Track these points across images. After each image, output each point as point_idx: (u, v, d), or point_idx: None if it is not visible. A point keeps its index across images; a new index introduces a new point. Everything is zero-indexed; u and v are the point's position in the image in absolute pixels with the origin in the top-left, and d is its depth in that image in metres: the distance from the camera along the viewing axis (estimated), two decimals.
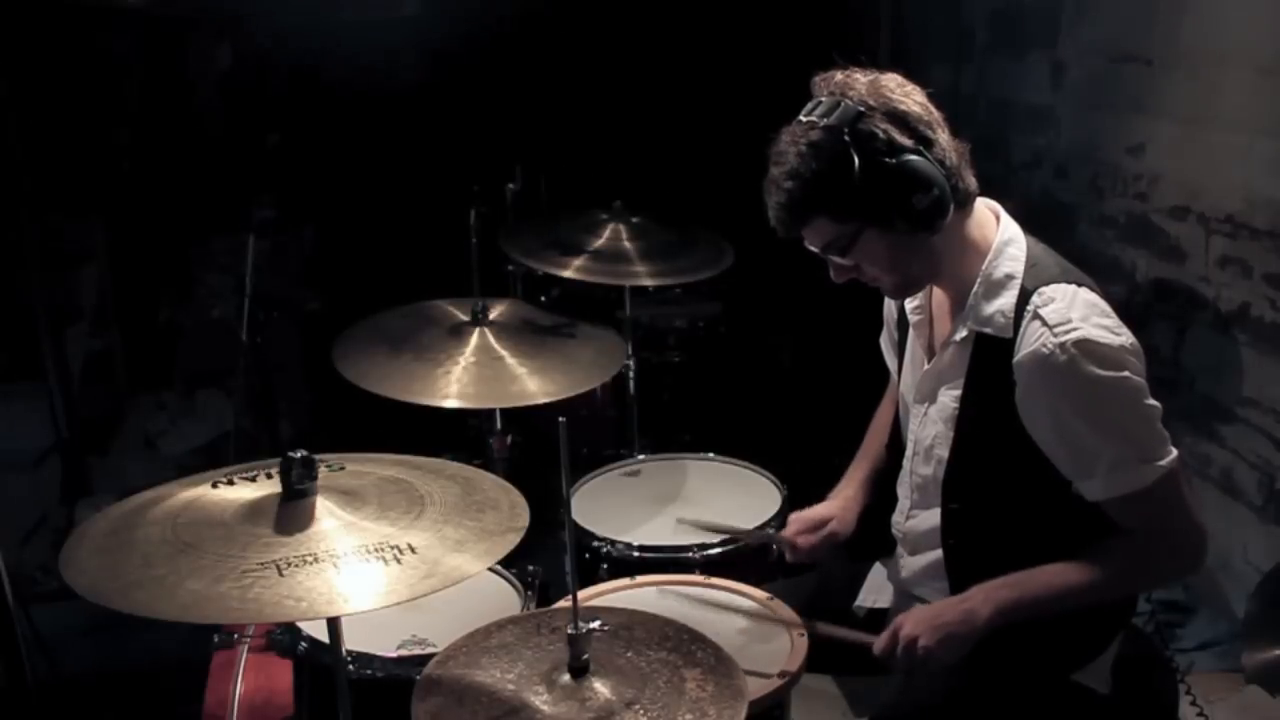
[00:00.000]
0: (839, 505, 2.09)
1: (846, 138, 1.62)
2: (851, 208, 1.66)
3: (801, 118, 1.69)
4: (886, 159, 1.63)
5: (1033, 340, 1.64)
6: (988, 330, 1.71)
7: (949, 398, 1.80)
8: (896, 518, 1.98)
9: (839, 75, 1.70)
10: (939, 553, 1.86)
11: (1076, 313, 1.64)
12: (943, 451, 1.82)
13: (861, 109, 1.63)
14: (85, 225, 4.07)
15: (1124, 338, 1.65)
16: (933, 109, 1.69)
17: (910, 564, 1.94)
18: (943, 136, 1.68)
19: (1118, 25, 3.09)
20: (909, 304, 1.92)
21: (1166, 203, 2.92)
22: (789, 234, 1.72)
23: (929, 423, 1.85)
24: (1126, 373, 1.62)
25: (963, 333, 1.75)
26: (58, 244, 3.92)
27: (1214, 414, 2.76)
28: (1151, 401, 1.65)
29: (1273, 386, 2.57)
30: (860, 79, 1.68)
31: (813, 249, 1.75)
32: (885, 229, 1.67)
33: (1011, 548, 1.74)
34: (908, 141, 1.63)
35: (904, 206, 1.64)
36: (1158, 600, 2.73)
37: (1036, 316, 1.65)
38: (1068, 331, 1.62)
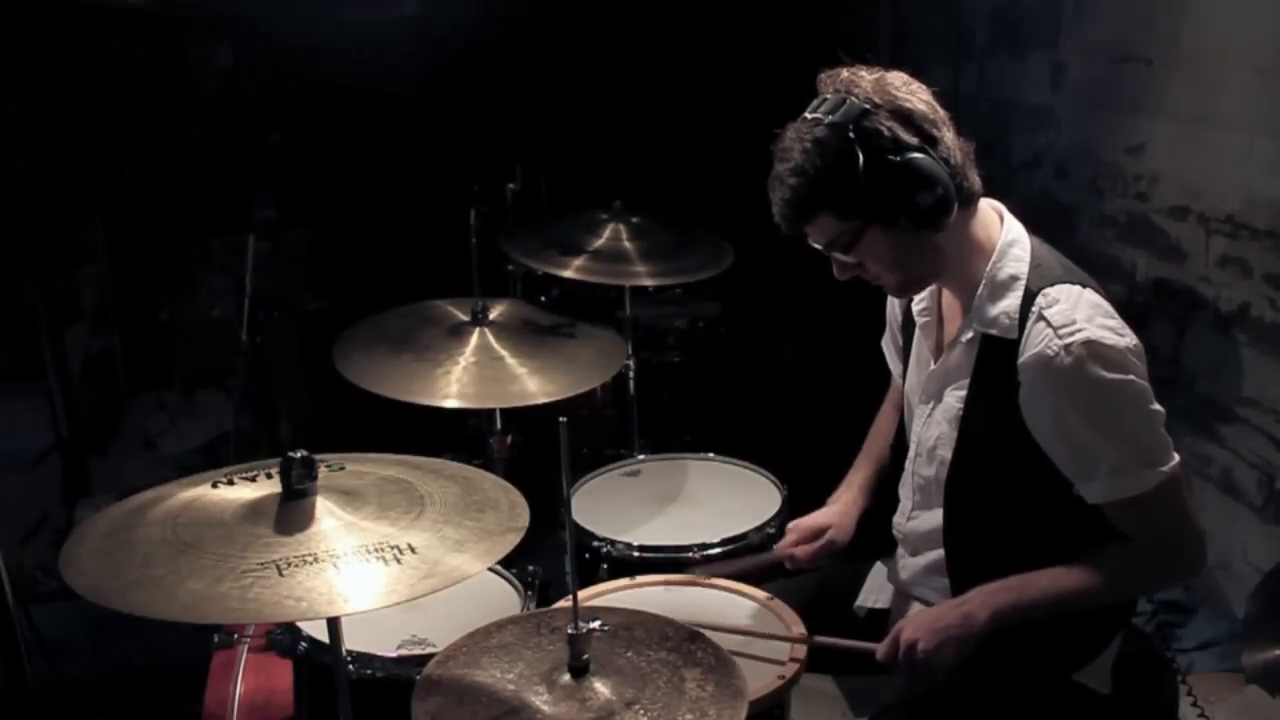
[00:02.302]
0: (838, 511, 2.09)
1: (851, 134, 1.62)
2: (856, 205, 1.66)
3: (807, 114, 1.68)
4: (891, 156, 1.62)
5: (1037, 342, 1.64)
6: (992, 332, 1.71)
7: (954, 398, 1.80)
8: (898, 519, 1.98)
9: (844, 73, 1.70)
10: (940, 553, 1.86)
11: (1081, 314, 1.64)
12: (946, 452, 1.82)
13: (867, 106, 1.63)
14: (85, 225, 4.07)
15: (1128, 339, 1.65)
16: (938, 107, 1.69)
17: (911, 565, 1.94)
18: (948, 135, 1.67)
19: (1118, 25, 3.09)
20: (916, 305, 1.91)
21: (1166, 203, 2.92)
22: (793, 231, 1.72)
23: (933, 423, 1.85)
24: (1131, 376, 1.62)
25: (968, 334, 1.75)
26: (58, 244, 3.92)
27: (1214, 414, 2.76)
28: (1156, 406, 1.65)
29: (1273, 386, 2.58)
30: (866, 76, 1.68)
31: (816, 246, 1.75)
32: (889, 227, 1.67)
33: (1013, 549, 1.75)
34: (913, 139, 1.63)
35: (908, 204, 1.63)
36: (1158, 600, 2.73)
37: (1041, 318, 1.65)
38: (1072, 333, 1.62)
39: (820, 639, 1.79)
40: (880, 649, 1.74)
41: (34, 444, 3.71)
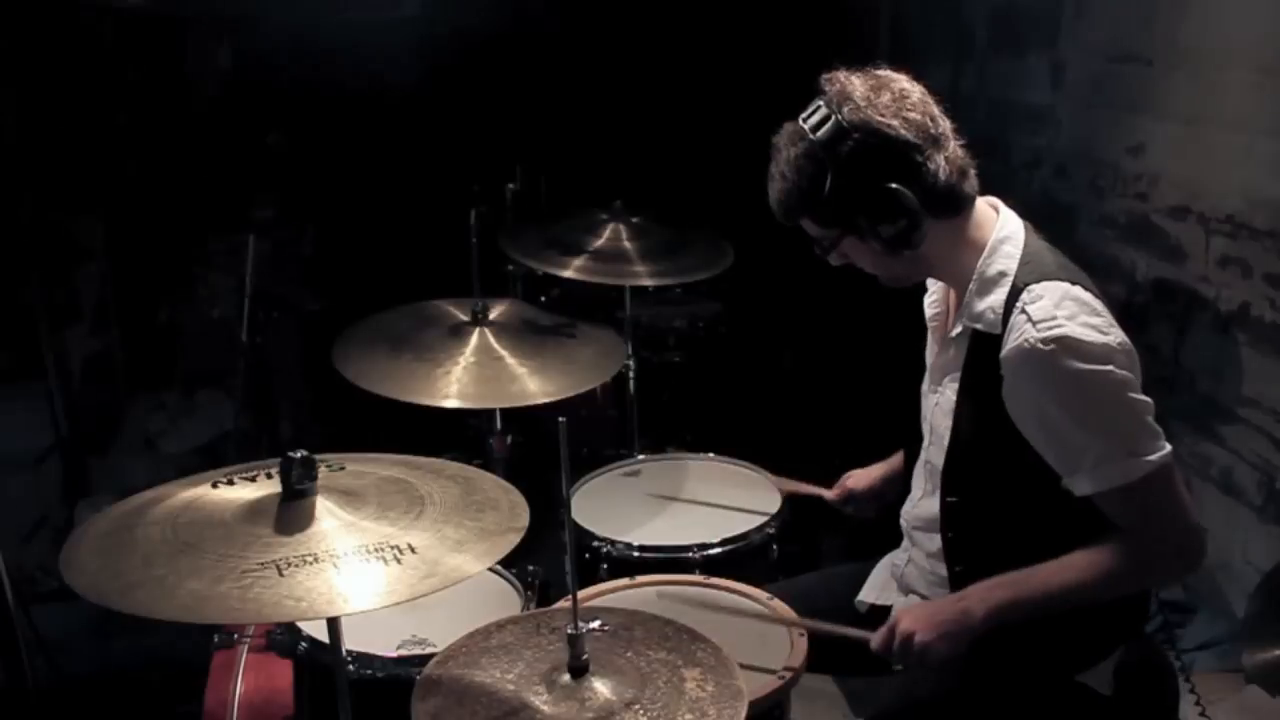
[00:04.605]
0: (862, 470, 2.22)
1: (827, 157, 1.69)
2: (829, 219, 1.76)
3: (800, 120, 1.74)
4: (861, 184, 1.69)
5: (1017, 335, 1.66)
6: (979, 326, 1.74)
7: (950, 390, 1.82)
8: (906, 506, 1.99)
9: (840, 81, 1.73)
10: (939, 543, 1.87)
11: (1063, 311, 1.65)
12: (945, 442, 1.83)
13: (846, 128, 1.68)
14: (85, 225, 4.07)
15: (1110, 337, 1.65)
16: (934, 121, 1.71)
17: (916, 556, 1.95)
18: (935, 156, 1.69)
19: (1118, 25, 3.09)
20: (928, 298, 1.97)
21: (1166, 203, 2.92)
22: (785, 224, 1.81)
23: (938, 412, 1.87)
24: (1110, 367, 1.63)
25: (958, 329, 1.78)
26: (58, 244, 3.92)
27: (1214, 414, 2.76)
28: (1138, 395, 1.65)
29: (1273, 386, 2.57)
30: (858, 90, 1.70)
31: (810, 234, 1.83)
32: (862, 239, 1.75)
33: (1010, 540, 1.75)
34: (886, 168, 1.68)
35: (873, 230, 1.72)
36: (1159, 600, 2.73)
37: (1023, 312, 1.67)
38: (1050, 328, 1.63)
39: (814, 624, 1.81)
40: (875, 638, 1.75)
41: (34, 444, 3.71)
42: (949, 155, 1.70)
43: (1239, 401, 2.68)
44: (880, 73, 1.73)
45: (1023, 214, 1.83)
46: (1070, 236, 3.27)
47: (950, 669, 1.73)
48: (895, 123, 1.67)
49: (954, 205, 1.73)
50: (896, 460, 2.17)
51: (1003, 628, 1.69)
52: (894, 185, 1.68)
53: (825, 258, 1.83)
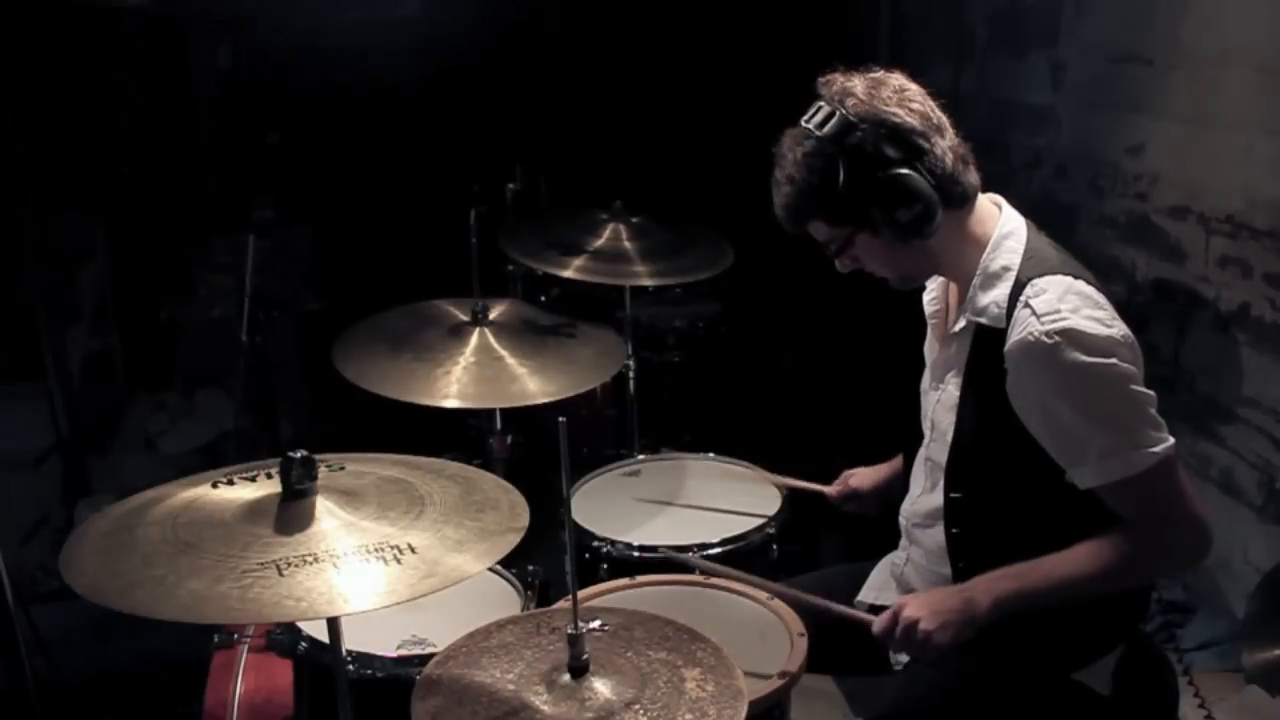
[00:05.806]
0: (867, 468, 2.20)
1: (836, 150, 1.69)
2: (842, 215, 1.75)
3: (802, 123, 1.75)
4: (874, 173, 1.68)
5: (1021, 328, 1.67)
6: (983, 320, 1.74)
7: (953, 386, 1.83)
8: (905, 504, 1.99)
9: (839, 81, 1.74)
10: (943, 540, 1.87)
11: (1067, 304, 1.65)
12: (949, 438, 1.83)
13: (854, 120, 1.69)
14: (85, 225, 4.07)
15: (1114, 330, 1.65)
16: (933, 112, 1.72)
17: (915, 555, 1.95)
18: (940, 142, 1.71)
19: (1118, 25, 3.10)
20: (927, 295, 1.97)
21: (1166, 203, 2.92)
22: (793, 231, 1.81)
23: (941, 409, 1.87)
24: (1114, 360, 1.63)
25: (961, 323, 1.79)
26: (58, 244, 3.92)
27: (1214, 414, 2.76)
28: (1142, 388, 1.65)
29: (1273, 386, 2.58)
30: (858, 86, 1.72)
31: (819, 238, 1.82)
32: (876, 234, 1.74)
33: (1014, 536, 1.75)
34: (897, 155, 1.68)
35: (889, 219, 1.71)
36: (1159, 600, 2.73)
37: (1027, 306, 1.67)
38: (1054, 321, 1.63)
39: (817, 600, 1.83)
40: (877, 623, 1.75)
41: (34, 444, 3.71)
42: (951, 145, 1.72)
43: (1239, 401, 2.68)
44: (875, 73, 1.75)
45: (1023, 214, 1.83)
46: (1070, 236, 3.27)
47: (949, 668, 1.73)
48: (900, 111, 1.69)
49: (960, 194, 1.74)
50: (900, 460, 2.17)
51: (1002, 626, 1.69)
52: (906, 170, 1.68)
53: (836, 261, 1.83)
